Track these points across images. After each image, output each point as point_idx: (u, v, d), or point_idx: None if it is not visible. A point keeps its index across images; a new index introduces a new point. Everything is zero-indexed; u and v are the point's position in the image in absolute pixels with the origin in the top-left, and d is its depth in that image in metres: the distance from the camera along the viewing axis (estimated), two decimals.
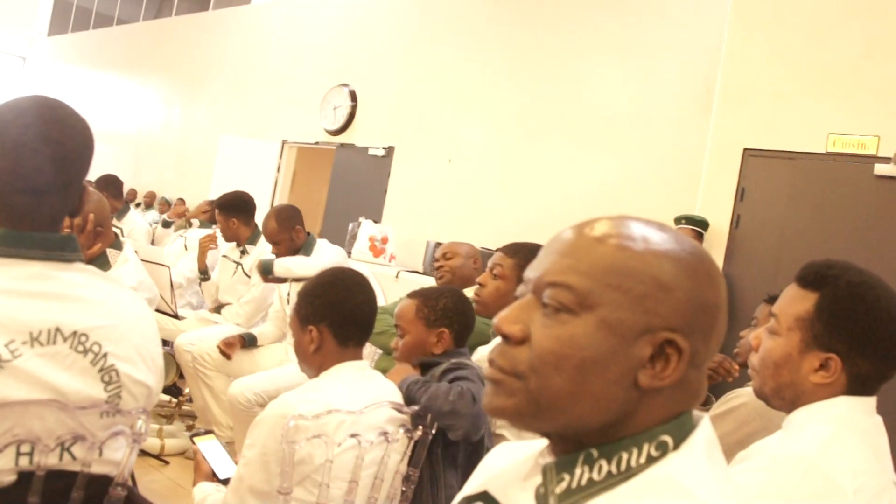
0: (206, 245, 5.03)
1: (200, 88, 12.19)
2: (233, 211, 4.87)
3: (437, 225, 8.15)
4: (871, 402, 1.56)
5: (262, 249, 4.87)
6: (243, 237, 4.89)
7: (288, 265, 4.29)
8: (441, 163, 8.46)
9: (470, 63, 8.46)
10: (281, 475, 1.90)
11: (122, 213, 6.21)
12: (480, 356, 2.60)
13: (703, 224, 5.73)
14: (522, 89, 7.92)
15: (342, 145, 9.63)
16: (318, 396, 2.04)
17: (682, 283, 0.90)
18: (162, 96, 12.98)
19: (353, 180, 9.41)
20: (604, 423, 0.90)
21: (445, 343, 2.44)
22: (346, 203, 9.22)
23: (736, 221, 5.74)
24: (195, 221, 6.50)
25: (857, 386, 1.54)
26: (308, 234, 4.49)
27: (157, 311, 4.28)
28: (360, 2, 10.00)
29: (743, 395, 2.40)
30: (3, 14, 17.41)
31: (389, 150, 9.03)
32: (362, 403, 2.04)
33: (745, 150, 5.71)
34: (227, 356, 4.30)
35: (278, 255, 4.40)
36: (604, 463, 0.90)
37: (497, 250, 2.83)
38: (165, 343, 4.89)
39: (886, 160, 5.12)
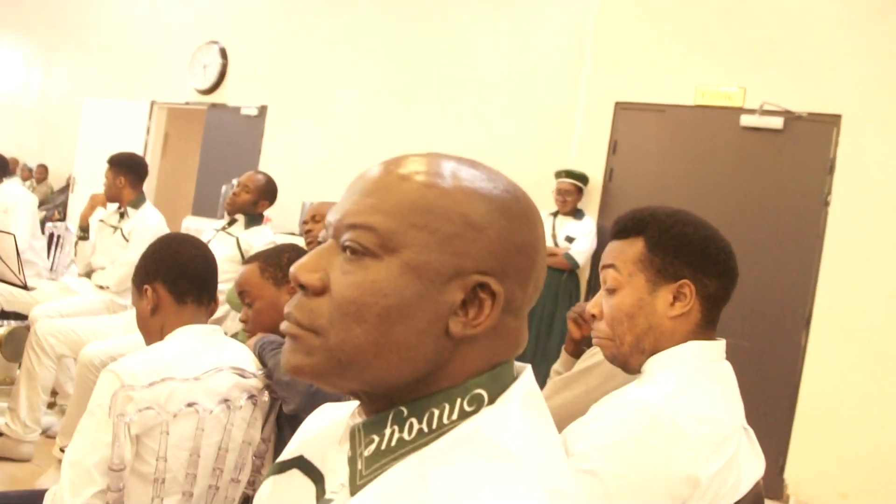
0: (98, 201, 4.74)
1: (62, 46, 11.53)
2: (123, 168, 4.65)
3: (312, 185, 7.96)
4: (719, 346, 1.55)
5: (144, 215, 4.66)
6: (126, 198, 4.65)
7: None
8: (316, 122, 8.26)
9: (344, 21, 8.24)
10: (112, 450, 1.77)
11: None
12: None
13: (584, 178, 5.74)
14: (397, 47, 7.77)
15: (213, 105, 9.29)
16: (156, 358, 1.93)
17: (494, 222, 0.83)
18: (20, 55, 12.24)
19: (225, 141, 9.10)
20: (413, 377, 0.83)
21: None
22: (220, 164, 8.93)
23: (609, 174, 5.78)
24: None
25: (709, 309, 1.54)
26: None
27: (3, 281, 4.02)
28: None
29: None
30: None
31: (262, 110, 8.75)
32: (204, 369, 1.91)
33: (617, 103, 5.75)
34: None
35: (231, 204, 4.54)
36: (414, 421, 0.82)
37: None
38: (21, 316, 4.62)
39: (752, 112, 5.23)
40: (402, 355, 0.81)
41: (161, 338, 2.04)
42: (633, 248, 1.54)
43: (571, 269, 5.60)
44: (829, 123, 5.05)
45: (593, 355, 2.40)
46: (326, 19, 8.41)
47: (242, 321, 2.33)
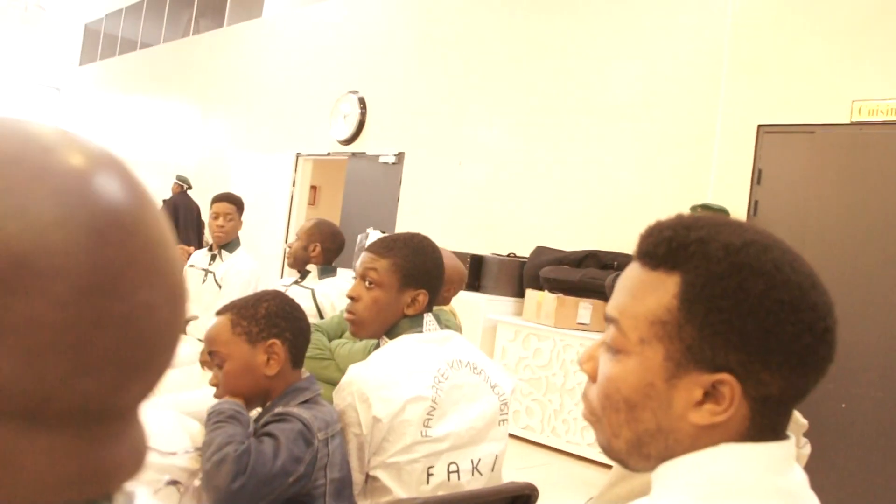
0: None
1: (217, 105, 11.95)
2: (241, 207, 4.59)
3: (450, 232, 7.64)
4: (779, 450, 0.90)
5: (237, 260, 4.47)
6: (232, 235, 4.50)
7: None
8: (451, 165, 7.96)
9: (476, 62, 7.98)
10: None
11: None
12: (351, 379, 2.03)
13: (723, 213, 5.08)
14: (529, 87, 7.40)
15: (353, 154, 9.21)
16: None
17: None
18: (183, 115, 12.79)
19: (366, 190, 9.00)
20: None
21: (279, 359, 1.89)
22: (361, 213, 8.81)
23: (754, 207, 5.10)
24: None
25: (766, 415, 0.89)
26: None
27: None
28: (366, 7, 9.59)
29: None
30: (38, 47, 17.56)
31: (400, 157, 8.57)
32: None
33: (760, 126, 5.08)
34: None
35: (290, 256, 4.20)
36: None
37: (366, 249, 2.23)
38: None
39: None
40: None
41: None
42: (658, 296, 0.91)
43: None
44: None
45: None
46: (458, 60, 8.17)
47: (213, 385, 1.93)
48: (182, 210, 9.87)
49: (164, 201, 9.89)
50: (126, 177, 0.48)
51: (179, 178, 10.35)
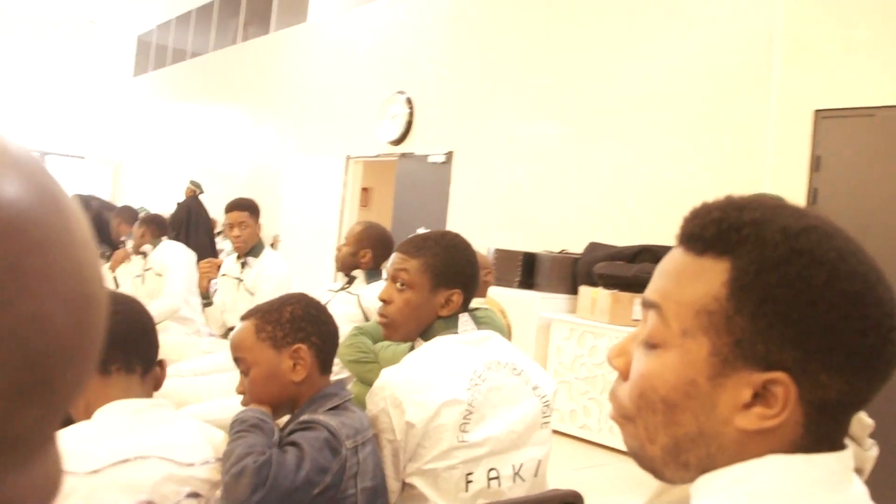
0: (205, 271, 4.53)
1: (267, 111, 12.02)
2: (255, 212, 4.46)
3: (501, 230, 7.55)
4: (834, 463, 0.80)
5: (265, 264, 4.40)
6: (252, 242, 4.41)
7: None
8: (500, 163, 7.88)
9: (523, 59, 7.88)
10: None
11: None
12: (384, 383, 1.95)
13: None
14: (578, 82, 7.27)
15: (403, 155, 9.17)
16: (91, 446, 1.49)
17: None
18: (234, 122, 12.90)
19: (415, 190, 8.96)
20: None
21: (306, 364, 1.81)
22: (411, 214, 8.77)
23: (813, 196, 4.90)
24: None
25: (820, 423, 0.79)
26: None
27: None
28: (410, 8, 9.55)
29: None
30: (94, 59, 17.91)
31: (449, 156, 8.51)
32: (116, 458, 1.45)
33: (817, 111, 4.88)
34: None
35: (337, 261, 4.05)
36: None
37: (396, 250, 2.14)
38: None
39: None
40: None
41: (88, 419, 1.60)
42: (706, 283, 0.81)
43: None
44: None
45: None
46: (504, 58, 8.09)
47: (239, 392, 1.87)
48: (194, 214, 9.90)
49: (179, 204, 9.96)
50: (26, 173, 0.40)
51: (193, 182, 10.37)
